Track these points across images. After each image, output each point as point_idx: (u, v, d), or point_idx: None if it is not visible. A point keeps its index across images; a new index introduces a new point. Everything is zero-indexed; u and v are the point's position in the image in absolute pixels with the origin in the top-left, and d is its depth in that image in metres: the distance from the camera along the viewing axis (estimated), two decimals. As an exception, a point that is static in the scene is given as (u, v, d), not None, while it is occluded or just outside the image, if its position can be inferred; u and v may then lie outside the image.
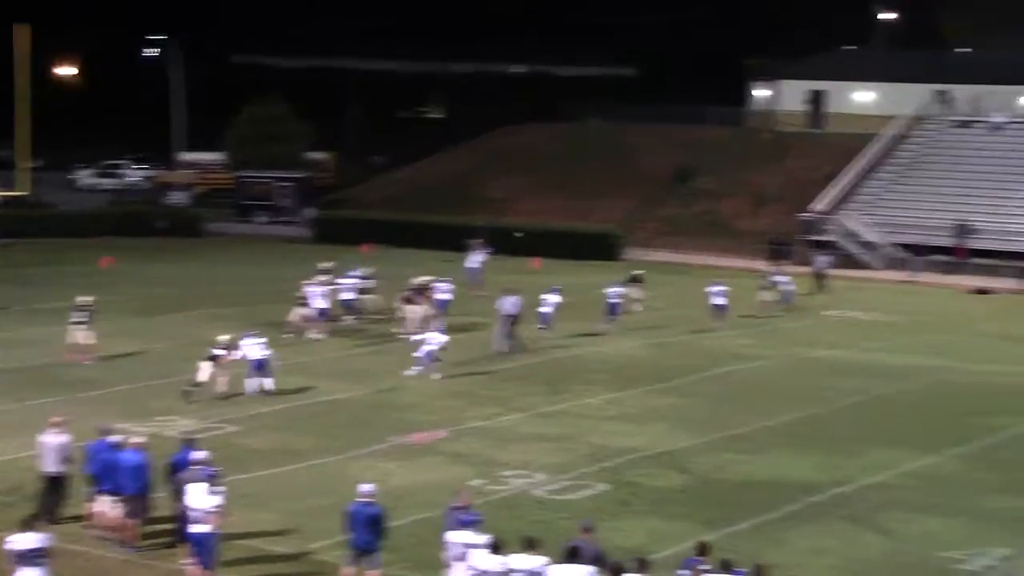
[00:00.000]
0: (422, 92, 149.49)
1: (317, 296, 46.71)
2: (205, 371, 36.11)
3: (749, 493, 28.74)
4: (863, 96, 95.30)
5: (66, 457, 25.29)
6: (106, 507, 24.28)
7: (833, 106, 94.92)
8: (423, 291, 47.94)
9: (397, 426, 33.79)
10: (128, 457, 24.15)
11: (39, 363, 40.63)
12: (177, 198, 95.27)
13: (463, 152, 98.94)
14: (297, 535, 25.14)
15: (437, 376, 39.47)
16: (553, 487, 28.70)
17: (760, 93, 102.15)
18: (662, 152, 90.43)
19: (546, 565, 19.70)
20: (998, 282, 66.52)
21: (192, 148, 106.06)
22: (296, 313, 46.53)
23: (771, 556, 22.66)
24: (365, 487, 22.19)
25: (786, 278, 57.34)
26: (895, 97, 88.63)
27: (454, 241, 69.43)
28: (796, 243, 75.04)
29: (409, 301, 47.20)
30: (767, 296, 55.42)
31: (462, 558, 20.65)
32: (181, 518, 23.19)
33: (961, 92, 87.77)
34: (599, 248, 74.40)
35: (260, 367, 37.16)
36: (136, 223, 79.80)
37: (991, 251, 70.05)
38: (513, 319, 44.76)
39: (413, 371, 39.81)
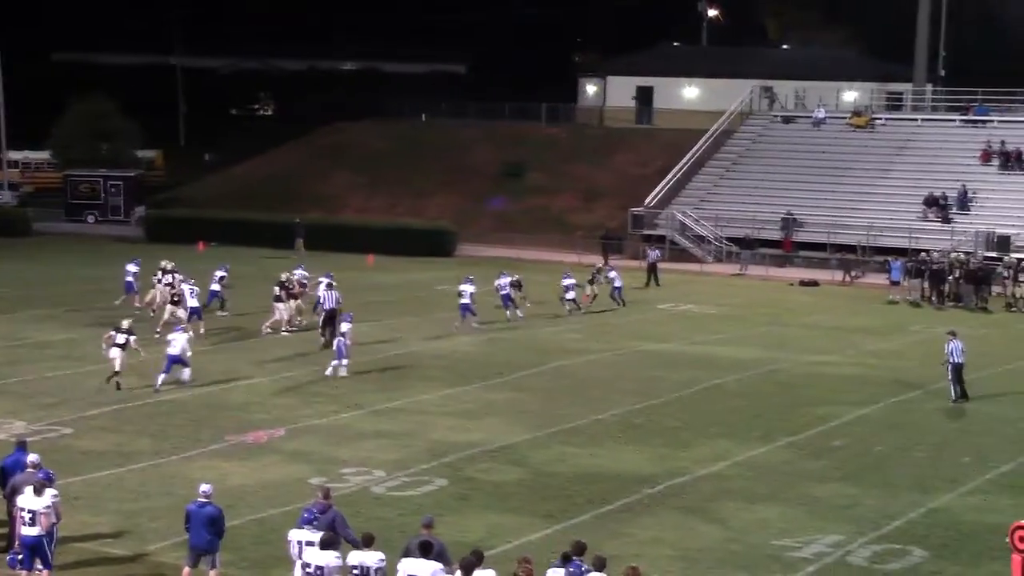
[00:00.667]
0: (252, 89, 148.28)
1: (191, 296, 46.19)
2: (117, 358, 37.20)
3: (586, 486, 28.96)
4: (690, 92, 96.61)
5: None
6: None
7: (661, 102, 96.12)
8: (286, 287, 47.99)
9: (234, 425, 33.55)
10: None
11: None
12: (2, 197, 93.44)
13: (294, 149, 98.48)
14: (134, 537, 24.83)
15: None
16: (392, 484, 28.68)
17: (590, 89, 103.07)
18: (493, 148, 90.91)
19: (383, 561, 19.69)
20: (824, 274, 67.84)
21: (17, 147, 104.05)
22: (168, 310, 45.98)
23: (610, 548, 22.87)
24: (203, 487, 22.01)
25: (614, 272, 57.55)
26: (721, 93, 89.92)
27: (287, 238, 69.82)
28: (628, 238, 75.85)
29: (279, 299, 47.29)
30: (591, 290, 55.65)
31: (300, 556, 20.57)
32: (14, 522, 22.82)
33: (784, 88, 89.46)
34: (432, 244, 74.58)
35: (178, 360, 37.81)
36: (-40, 223, 78.33)
37: (817, 244, 71.38)
38: (331, 313, 44.91)
39: (333, 366, 39.98)
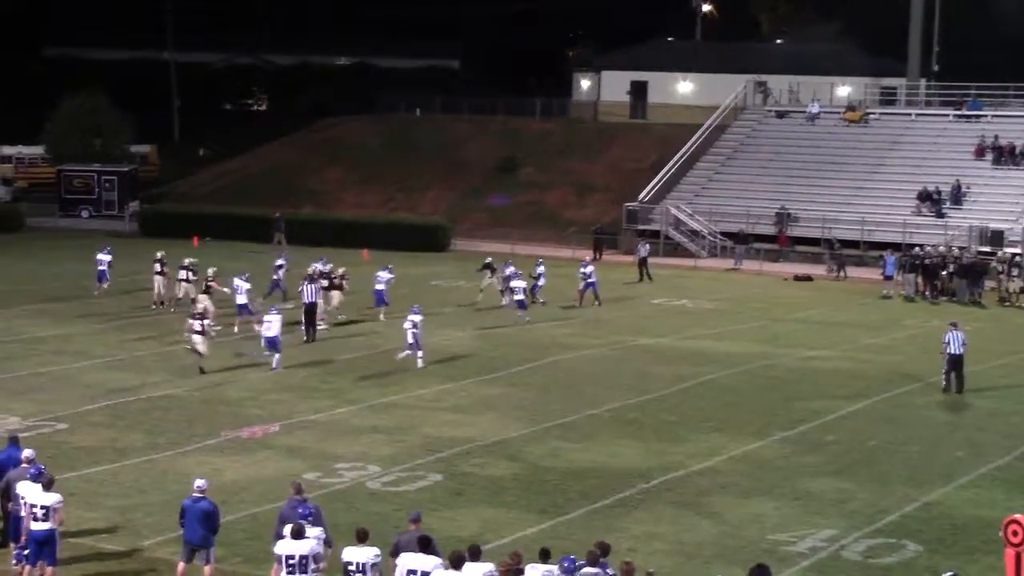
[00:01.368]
0: (246, 84, 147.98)
1: (241, 292, 46.32)
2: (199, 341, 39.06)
3: (580, 481, 29.00)
4: (684, 87, 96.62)
5: None
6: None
7: (655, 97, 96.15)
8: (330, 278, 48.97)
9: (229, 421, 33.58)
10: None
11: None
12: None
13: (288, 144, 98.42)
14: (129, 532, 24.88)
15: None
16: (387, 479, 28.72)
17: (583, 84, 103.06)
18: (487, 144, 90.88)
19: (378, 557, 19.74)
20: (819, 269, 67.89)
21: (10, 142, 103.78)
22: (202, 299, 45.87)
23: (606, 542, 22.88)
24: (198, 482, 22.03)
25: (590, 268, 56.01)
26: (715, 88, 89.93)
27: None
28: (622, 233, 75.84)
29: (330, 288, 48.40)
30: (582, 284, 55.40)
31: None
32: (9, 518, 22.84)
33: (779, 83, 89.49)
34: (427, 239, 74.58)
35: (273, 343, 39.51)
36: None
37: (811, 239, 71.41)
38: (310, 308, 45.24)
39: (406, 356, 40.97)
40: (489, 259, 55.60)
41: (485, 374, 40.46)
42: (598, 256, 70.51)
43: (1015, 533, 20.72)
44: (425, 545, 19.40)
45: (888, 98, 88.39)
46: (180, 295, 50.56)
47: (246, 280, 46.90)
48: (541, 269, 55.14)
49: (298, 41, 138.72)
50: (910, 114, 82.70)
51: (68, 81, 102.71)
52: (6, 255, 68.11)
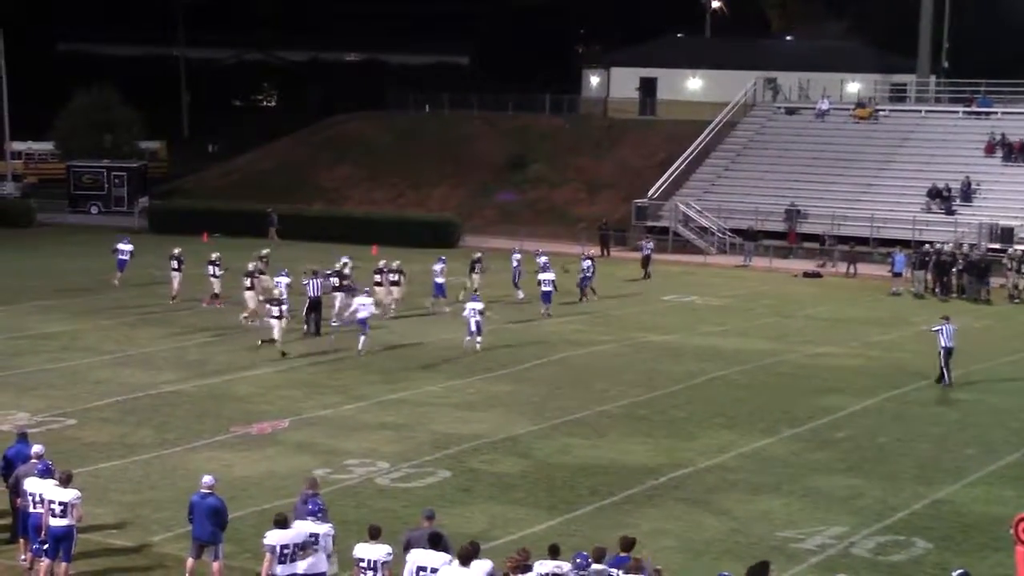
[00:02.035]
0: (256, 80, 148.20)
1: (281, 286, 46.37)
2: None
3: (589, 477, 28.98)
4: (693, 83, 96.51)
5: None
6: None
7: (664, 93, 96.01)
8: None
9: (238, 417, 33.59)
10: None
11: None
12: (6, 188, 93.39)
13: (298, 140, 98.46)
14: (137, 528, 24.89)
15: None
16: (396, 475, 28.72)
17: (593, 80, 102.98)
18: (496, 140, 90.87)
19: (390, 555, 19.74)
20: (827, 266, 67.81)
21: (20, 138, 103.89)
22: (248, 298, 46.37)
23: (613, 540, 22.83)
24: (206, 478, 22.02)
25: (588, 263, 55.93)
26: (725, 84, 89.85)
27: (292, 229, 70.62)
28: (631, 229, 75.81)
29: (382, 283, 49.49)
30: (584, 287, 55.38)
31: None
32: (19, 513, 22.85)
33: (788, 79, 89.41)
34: (437, 235, 74.54)
35: (363, 324, 41.62)
36: (-36, 215, 78.32)
37: (820, 235, 71.32)
38: (315, 302, 45.33)
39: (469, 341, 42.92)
40: (478, 254, 55.71)
41: (494, 371, 40.45)
42: (606, 253, 70.51)
43: (1025, 530, 20.72)
44: (436, 542, 19.40)
45: (898, 95, 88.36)
46: (217, 290, 50.79)
47: (286, 275, 46.99)
48: (587, 263, 55.53)
49: (308, 37, 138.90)
50: (920, 111, 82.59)
51: (78, 77, 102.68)
52: (16, 251, 68.19)
